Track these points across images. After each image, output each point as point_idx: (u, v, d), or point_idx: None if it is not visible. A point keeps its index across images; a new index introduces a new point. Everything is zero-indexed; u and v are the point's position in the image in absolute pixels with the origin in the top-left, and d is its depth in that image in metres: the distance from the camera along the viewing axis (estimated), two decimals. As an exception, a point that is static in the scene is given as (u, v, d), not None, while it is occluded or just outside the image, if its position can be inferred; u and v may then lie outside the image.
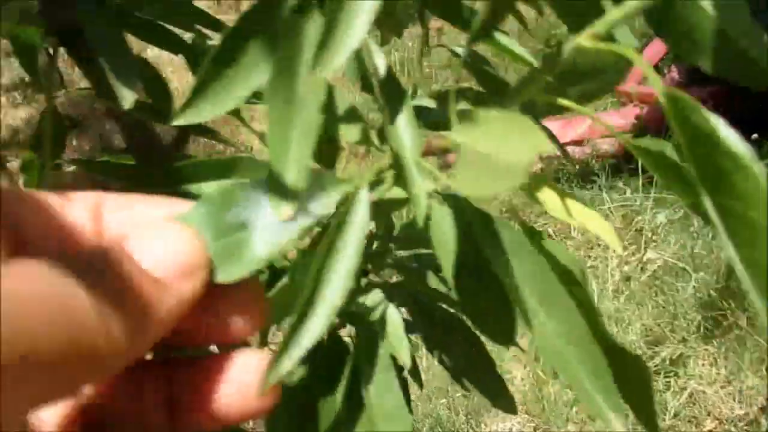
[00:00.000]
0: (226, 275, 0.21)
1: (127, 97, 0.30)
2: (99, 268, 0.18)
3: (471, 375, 0.42)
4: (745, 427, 1.49)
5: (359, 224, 0.22)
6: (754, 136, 1.89)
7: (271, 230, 0.22)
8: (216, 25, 0.38)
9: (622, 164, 2.10)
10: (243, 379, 0.22)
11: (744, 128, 1.94)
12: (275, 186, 0.22)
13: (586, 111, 0.26)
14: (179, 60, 0.40)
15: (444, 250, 0.25)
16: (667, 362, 1.63)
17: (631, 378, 0.23)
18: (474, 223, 0.24)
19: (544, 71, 0.22)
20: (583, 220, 0.27)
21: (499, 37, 0.29)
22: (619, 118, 2.17)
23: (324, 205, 0.23)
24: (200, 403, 0.22)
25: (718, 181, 0.18)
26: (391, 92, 0.24)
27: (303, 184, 0.22)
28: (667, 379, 1.61)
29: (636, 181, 2.03)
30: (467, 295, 0.25)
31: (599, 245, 2.02)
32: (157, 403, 0.23)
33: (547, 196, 0.27)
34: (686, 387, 1.58)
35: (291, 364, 0.21)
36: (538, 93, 0.24)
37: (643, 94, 2.19)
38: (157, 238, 0.20)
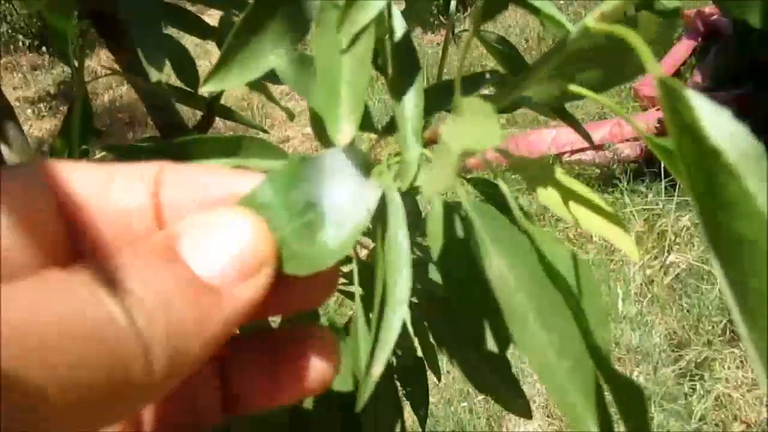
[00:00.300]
0: (298, 267, 0.19)
1: (154, 72, 0.31)
2: (141, 279, 0.16)
3: (483, 377, 0.40)
4: None
5: (402, 219, 0.21)
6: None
7: (341, 211, 0.20)
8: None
9: (643, 168, 2.09)
10: (306, 360, 0.21)
11: (764, 128, 1.91)
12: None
13: (607, 103, 0.25)
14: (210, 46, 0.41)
15: (434, 242, 0.24)
16: (693, 366, 1.61)
17: (625, 401, 0.21)
18: (467, 218, 0.24)
19: (555, 55, 0.22)
20: (596, 228, 0.26)
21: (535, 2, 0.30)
22: (641, 122, 2.15)
23: (370, 196, 0.21)
24: (258, 381, 0.21)
25: (704, 184, 0.15)
26: (405, 58, 0.25)
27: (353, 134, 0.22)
28: (693, 383, 1.58)
29: (658, 185, 2.02)
30: (457, 294, 0.25)
31: (621, 249, 2.00)
32: (208, 378, 0.21)
33: (551, 197, 0.26)
34: (712, 390, 1.56)
35: (381, 367, 0.20)
36: (549, 78, 0.24)
37: (665, 98, 2.17)
38: (216, 229, 0.18)
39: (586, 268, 0.24)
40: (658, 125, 2.13)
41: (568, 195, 0.26)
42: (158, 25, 0.31)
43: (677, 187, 1.96)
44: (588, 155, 2.21)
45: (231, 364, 0.22)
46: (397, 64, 0.25)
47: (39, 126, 3.40)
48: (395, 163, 0.26)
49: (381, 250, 0.21)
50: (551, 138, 2.20)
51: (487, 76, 0.35)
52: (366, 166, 0.22)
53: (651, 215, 2.02)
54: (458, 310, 0.27)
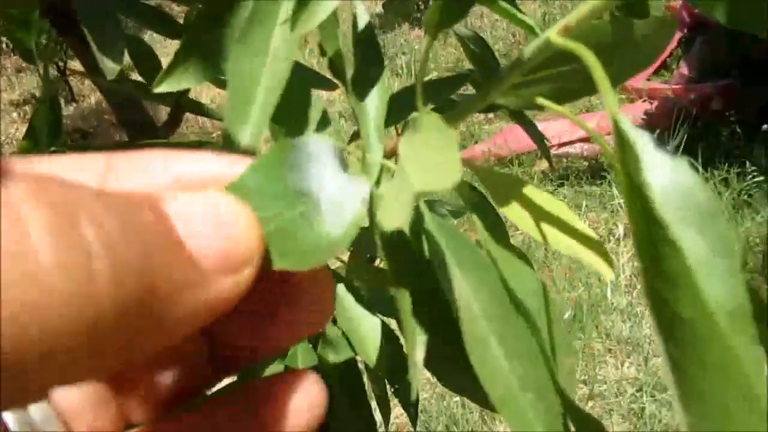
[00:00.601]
0: (292, 262, 0.17)
1: (111, 69, 0.30)
2: (131, 222, 0.14)
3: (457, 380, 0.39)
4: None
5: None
6: (765, 127, 1.87)
7: (336, 199, 0.18)
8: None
9: (631, 159, 2.09)
10: (301, 302, 0.19)
11: (753, 122, 1.93)
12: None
13: (566, 113, 0.25)
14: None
15: (387, 255, 0.24)
16: (682, 356, 1.62)
17: None
18: (431, 237, 0.23)
19: (516, 68, 0.21)
20: (567, 248, 0.25)
21: (502, 4, 0.29)
22: (629, 114, 2.15)
23: (359, 188, 0.20)
24: (248, 328, 0.19)
25: (649, 254, 0.14)
26: (366, 54, 0.24)
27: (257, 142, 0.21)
28: (683, 373, 1.59)
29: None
30: (418, 306, 0.24)
31: (611, 240, 2.01)
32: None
33: (520, 215, 0.25)
34: (702, 380, 1.56)
35: (423, 351, 0.19)
36: (517, 88, 0.23)
37: (652, 90, 2.18)
38: (205, 213, 0.16)
39: (549, 296, 0.23)
40: (645, 117, 2.13)
41: (538, 213, 0.25)
42: (112, 18, 0.31)
43: (665, 177, 1.96)
44: (576, 148, 2.21)
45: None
46: (359, 62, 0.24)
47: (23, 129, 3.38)
48: (360, 158, 0.25)
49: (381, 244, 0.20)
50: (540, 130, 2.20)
51: (463, 89, 0.34)
52: (345, 161, 0.20)
53: (639, 206, 2.02)
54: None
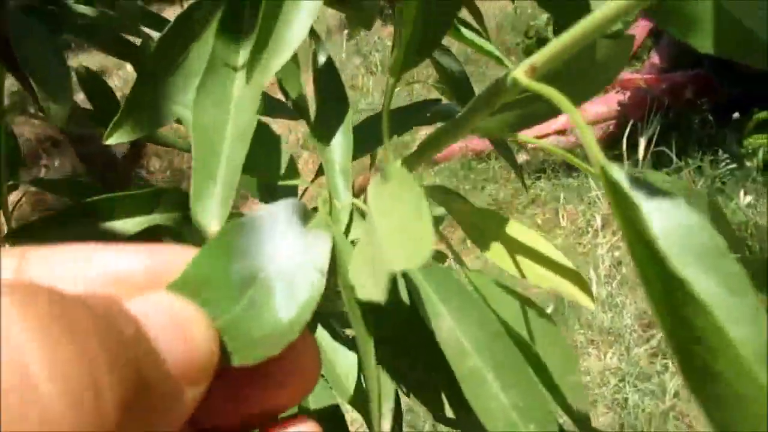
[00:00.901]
0: (245, 357, 0.16)
1: (58, 114, 0.28)
2: (120, 338, 0.13)
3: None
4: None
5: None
6: (736, 114, 1.90)
7: (290, 277, 0.18)
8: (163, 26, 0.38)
9: (606, 151, 2.10)
10: (285, 365, 0.18)
11: (724, 109, 1.94)
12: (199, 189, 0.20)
13: (541, 144, 0.24)
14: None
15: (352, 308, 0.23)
16: (664, 344, 1.64)
17: None
18: (411, 274, 0.22)
19: (485, 104, 0.21)
20: (545, 281, 0.25)
21: (466, 32, 0.28)
22: (602, 105, 2.17)
23: (317, 252, 0.19)
24: (228, 392, 0.18)
25: (671, 314, 0.14)
26: (329, 95, 0.23)
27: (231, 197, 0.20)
28: (665, 360, 1.61)
29: (621, 167, 2.04)
30: (395, 346, 0.23)
31: (589, 231, 2.03)
32: None
33: (497, 251, 0.24)
34: (683, 368, 1.58)
35: (389, 421, 0.19)
36: (483, 119, 0.22)
37: (625, 81, 2.19)
38: (156, 321, 0.15)
39: (544, 317, 0.23)
40: (618, 108, 2.15)
41: (518, 248, 0.25)
42: (57, 58, 0.29)
43: (640, 167, 1.98)
44: (551, 140, 2.22)
45: None
46: (321, 102, 0.23)
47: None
48: (326, 202, 0.25)
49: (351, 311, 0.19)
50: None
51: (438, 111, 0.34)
52: (305, 216, 0.20)
53: (616, 197, 2.04)
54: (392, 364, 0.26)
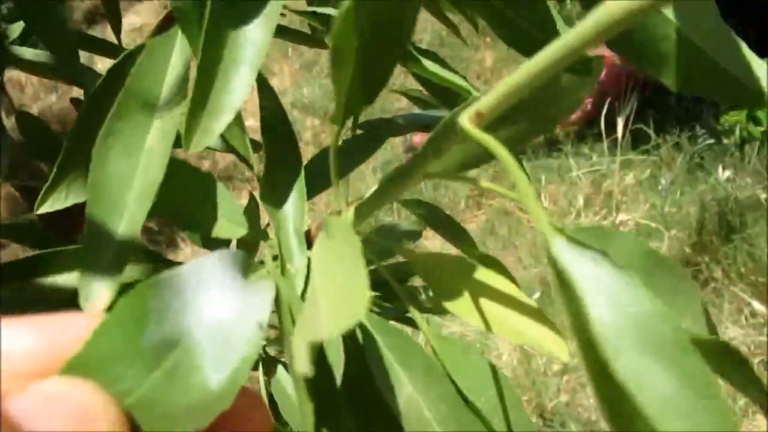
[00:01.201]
0: (172, 427, 0.14)
1: None
2: None
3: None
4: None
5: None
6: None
7: (222, 336, 0.16)
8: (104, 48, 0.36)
9: (585, 130, 2.10)
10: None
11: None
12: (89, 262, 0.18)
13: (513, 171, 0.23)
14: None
15: (335, 369, 0.21)
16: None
17: None
18: (368, 336, 0.21)
19: (433, 152, 0.20)
20: (514, 333, 0.24)
21: (427, 63, 0.27)
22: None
23: (258, 304, 0.17)
24: None
25: (603, 391, 0.13)
26: (278, 146, 0.22)
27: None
28: (651, 340, 1.62)
29: (601, 145, 2.04)
30: (359, 421, 0.22)
31: (572, 212, 2.03)
32: None
33: (463, 307, 0.23)
34: (669, 345, 1.60)
35: None
36: (438, 167, 0.22)
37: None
38: (46, 416, 0.13)
39: (504, 379, 0.22)
40: (596, 86, 2.14)
41: (481, 295, 0.24)
42: None
43: (619, 146, 1.98)
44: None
45: None
46: (270, 159, 0.22)
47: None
48: (277, 265, 0.23)
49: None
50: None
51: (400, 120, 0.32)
52: (245, 268, 0.18)
53: (597, 176, 2.04)
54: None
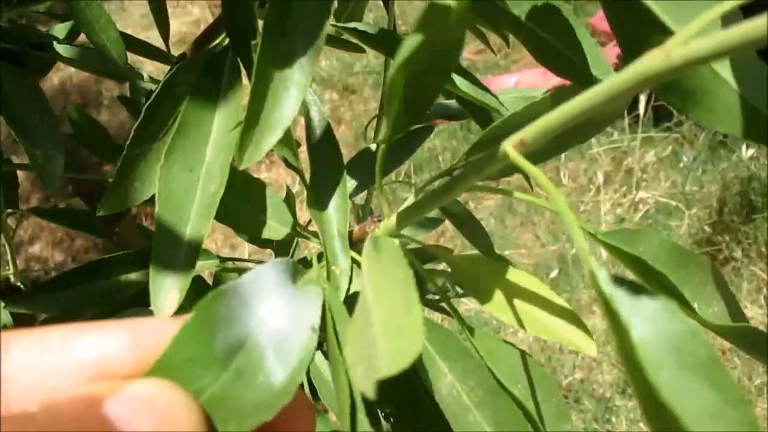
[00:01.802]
0: (236, 425, 0.16)
1: (50, 176, 0.28)
2: None
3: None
4: (748, 356, 1.51)
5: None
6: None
7: (282, 339, 0.18)
8: (151, 51, 0.37)
9: (606, 106, 2.09)
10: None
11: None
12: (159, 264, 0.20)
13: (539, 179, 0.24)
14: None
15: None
16: (667, 301, 1.65)
17: None
18: None
19: (476, 173, 0.21)
20: (545, 330, 0.25)
21: (460, 82, 0.28)
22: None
23: (309, 309, 0.19)
24: None
25: (652, 411, 0.14)
26: (324, 160, 0.23)
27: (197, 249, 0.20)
28: (668, 318, 1.63)
29: (621, 122, 2.02)
30: (400, 410, 0.23)
31: (591, 189, 2.02)
32: None
33: (498, 306, 0.24)
34: (687, 323, 1.60)
35: None
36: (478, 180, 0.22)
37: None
38: (139, 416, 0.15)
39: (538, 368, 0.23)
40: (617, 62, 2.11)
41: (515, 294, 0.25)
42: (45, 114, 0.28)
43: (640, 122, 1.96)
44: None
45: None
46: (315, 168, 0.23)
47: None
48: (323, 266, 0.25)
49: (338, 358, 0.20)
50: (513, 83, 2.17)
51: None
52: (295, 275, 0.20)
53: (617, 153, 2.02)
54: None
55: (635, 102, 1.95)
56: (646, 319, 0.15)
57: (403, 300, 0.16)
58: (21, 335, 0.17)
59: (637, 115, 1.95)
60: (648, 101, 1.93)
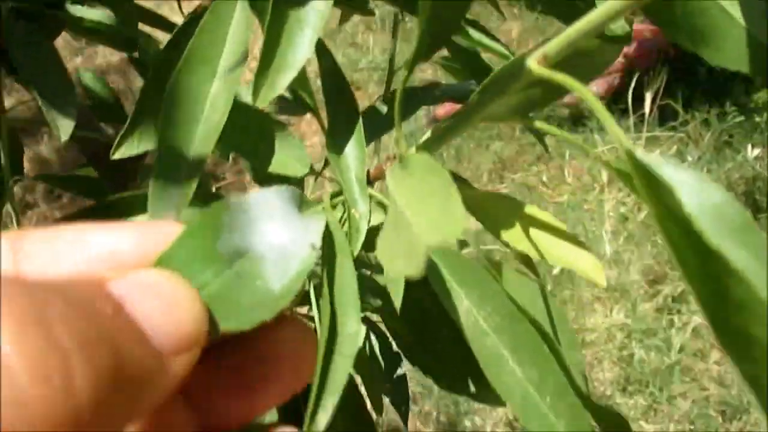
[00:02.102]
0: (235, 323, 0.17)
1: (65, 128, 0.28)
2: (96, 319, 0.14)
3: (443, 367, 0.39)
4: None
5: (348, 254, 0.20)
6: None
7: (282, 251, 0.18)
8: (161, 23, 0.37)
9: (611, 105, 2.08)
10: (282, 360, 0.19)
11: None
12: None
13: (565, 136, 0.24)
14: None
15: (395, 293, 0.23)
16: (670, 299, 1.65)
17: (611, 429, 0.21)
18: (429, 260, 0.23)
19: (499, 91, 0.21)
20: (560, 259, 0.25)
21: (472, 32, 0.28)
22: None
23: (311, 231, 0.20)
24: (227, 390, 0.19)
25: (710, 289, 0.14)
26: (339, 103, 0.23)
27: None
28: (671, 316, 1.62)
29: (627, 121, 2.02)
30: (417, 334, 0.24)
31: (595, 187, 2.02)
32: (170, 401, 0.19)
33: (515, 237, 0.25)
34: (689, 322, 1.60)
35: (327, 416, 0.19)
36: (498, 109, 0.23)
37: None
38: (142, 296, 0.16)
39: (551, 299, 0.24)
40: (624, 59, 2.11)
41: (531, 228, 0.25)
42: (57, 68, 0.28)
43: (645, 122, 1.96)
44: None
45: (195, 379, 0.19)
46: (332, 112, 0.23)
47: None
48: (338, 204, 0.25)
49: (327, 290, 0.20)
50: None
51: (437, 92, 0.33)
52: (301, 203, 0.20)
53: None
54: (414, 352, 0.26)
55: (641, 100, 1.95)
56: (691, 188, 0.15)
57: (441, 195, 0.16)
58: (33, 232, 0.18)
59: (643, 114, 1.95)
60: (654, 100, 1.93)
